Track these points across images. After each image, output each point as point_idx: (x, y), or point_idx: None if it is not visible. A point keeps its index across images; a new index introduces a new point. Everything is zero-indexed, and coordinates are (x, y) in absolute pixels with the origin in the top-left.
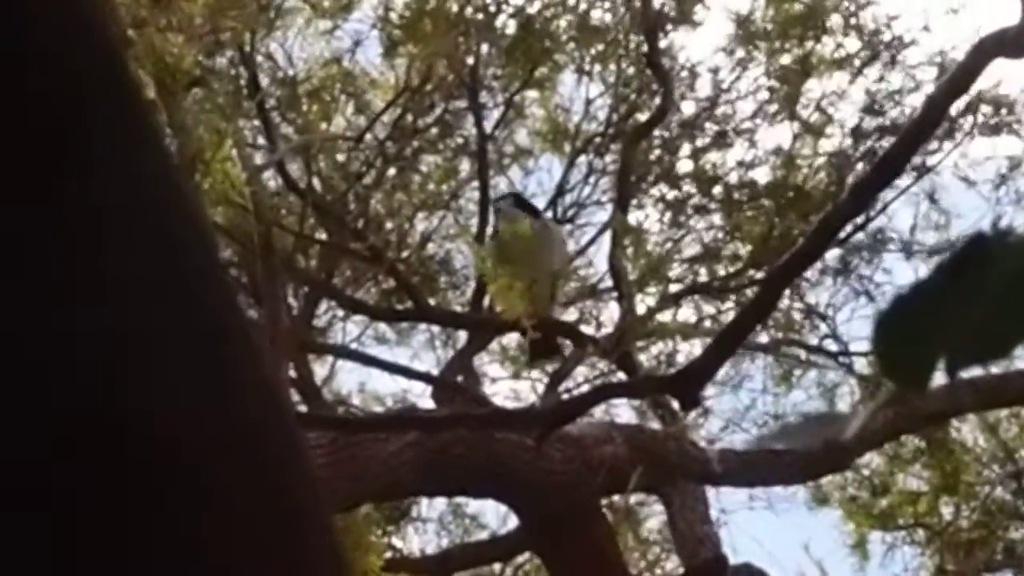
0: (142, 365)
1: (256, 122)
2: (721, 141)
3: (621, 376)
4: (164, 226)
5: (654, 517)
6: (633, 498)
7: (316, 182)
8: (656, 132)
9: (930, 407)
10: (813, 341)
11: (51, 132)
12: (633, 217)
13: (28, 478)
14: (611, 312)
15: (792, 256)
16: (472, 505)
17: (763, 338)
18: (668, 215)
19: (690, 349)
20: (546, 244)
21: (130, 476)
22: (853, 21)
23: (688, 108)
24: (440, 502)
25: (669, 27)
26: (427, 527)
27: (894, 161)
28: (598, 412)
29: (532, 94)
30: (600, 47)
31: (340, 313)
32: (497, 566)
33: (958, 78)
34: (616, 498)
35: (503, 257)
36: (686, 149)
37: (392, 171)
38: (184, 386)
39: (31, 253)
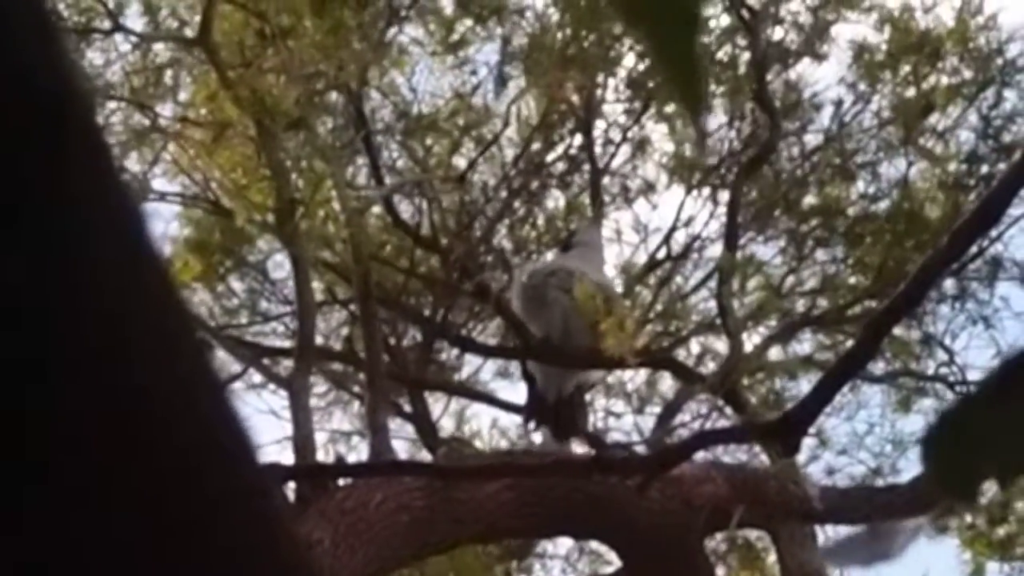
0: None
1: (364, 160)
2: (838, 172)
3: (729, 411)
4: None
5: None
6: (754, 533)
7: (433, 219)
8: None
9: None
10: (931, 367)
11: None
12: (750, 250)
13: None
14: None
15: (892, 301)
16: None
17: (880, 367)
18: (782, 248)
19: (802, 383)
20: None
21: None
22: (968, 47)
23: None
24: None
25: (791, 61)
26: (554, 563)
27: (993, 208)
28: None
29: (654, 127)
30: (717, 82)
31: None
32: None
33: None
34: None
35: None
36: (803, 181)
37: (508, 207)
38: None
39: None
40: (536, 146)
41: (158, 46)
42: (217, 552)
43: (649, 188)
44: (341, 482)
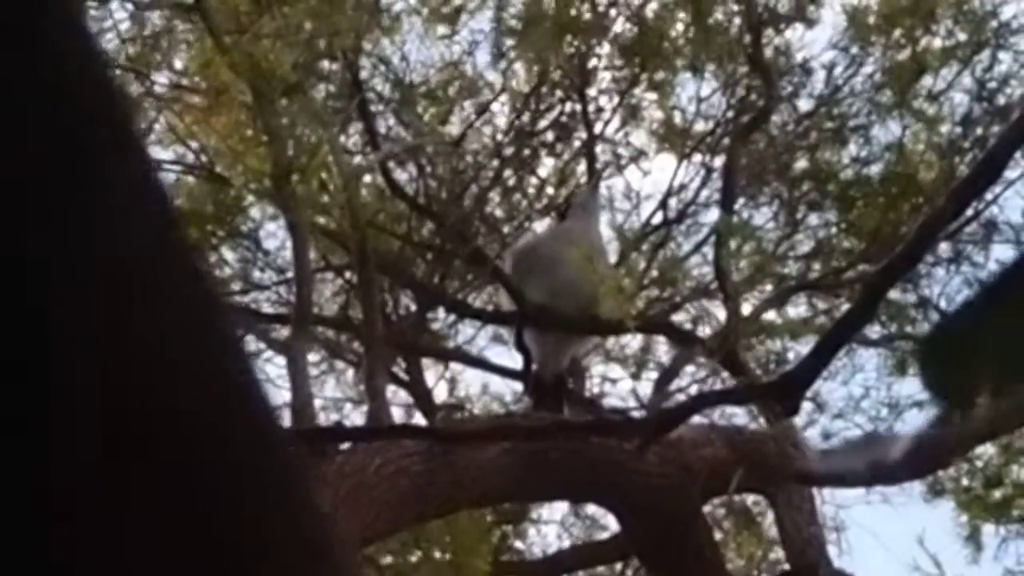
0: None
1: (360, 126)
2: (833, 136)
3: (727, 376)
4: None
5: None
6: (751, 498)
7: (429, 185)
8: (773, 129)
9: None
10: (926, 330)
11: None
12: (746, 215)
13: None
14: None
15: (891, 260)
16: (592, 506)
17: (876, 330)
18: (778, 212)
19: (801, 346)
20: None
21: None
22: (962, 8)
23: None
24: (562, 503)
25: (783, 25)
26: (548, 528)
27: (993, 164)
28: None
29: (647, 95)
30: (710, 46)
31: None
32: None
33: None
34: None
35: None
36: (797, 145)
37: (505, 174)
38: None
39: None
40: (529, 112)
41: (154, 13)
42: (243, 521)
43: (641, 155)
44: (340, 447)
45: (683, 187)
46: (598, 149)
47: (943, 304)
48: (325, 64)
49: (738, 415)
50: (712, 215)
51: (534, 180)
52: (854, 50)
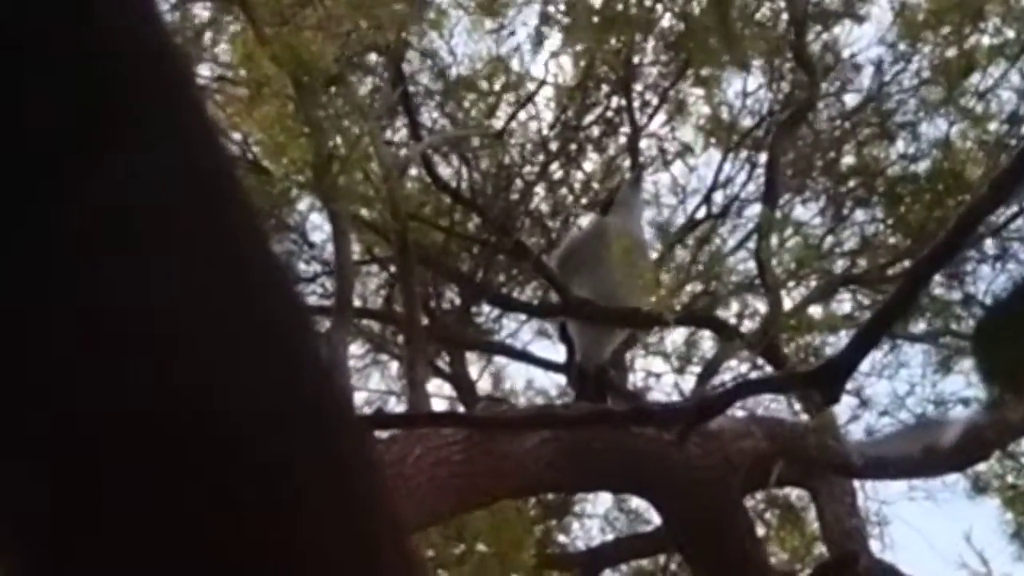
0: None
1: (404, 121)
2: (879, 133)
3: (769, 370)
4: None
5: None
6: (795, 492)
7: (474, 179)
8: (819, 125)
9: None
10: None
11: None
12: (791, 211)
13: None
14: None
15: (932, 251)
16: (635, 500)
17: (921, 327)
18: (824, 208)
19: (842, 342)
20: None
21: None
22: (1011, 6)
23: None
24: (605, 497)
25: (830, 21)
26: (592, 522)
27: None
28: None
29: (692, 89)
30: (758, 41)
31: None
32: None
33: None
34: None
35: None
36: (844, 141)
37: (550, 168)
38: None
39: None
40: (575, 107)
41: (196, 5)
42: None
43: (687, 149)
44: (379, 436)
45: (728, 181)
46: (643, 144)
47: (988, 301)
48: (368, 56)
49: (780, 410)
50: (757, 210)
51: (579, 174)
52: (902, 47)
